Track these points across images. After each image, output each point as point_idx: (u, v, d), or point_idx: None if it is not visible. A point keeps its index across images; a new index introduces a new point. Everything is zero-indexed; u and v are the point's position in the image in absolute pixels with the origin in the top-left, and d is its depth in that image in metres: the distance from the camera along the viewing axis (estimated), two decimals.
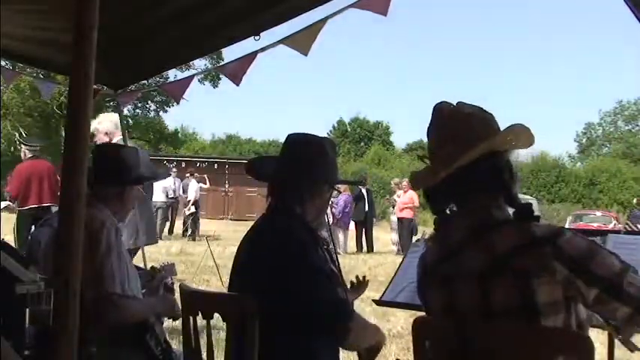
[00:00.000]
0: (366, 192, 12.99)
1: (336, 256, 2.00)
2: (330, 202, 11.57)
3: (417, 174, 1.58)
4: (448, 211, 1.53)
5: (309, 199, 1.86)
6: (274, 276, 1.68)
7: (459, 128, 1.47)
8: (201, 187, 14.99)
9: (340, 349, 1.83)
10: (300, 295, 1.66)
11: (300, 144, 1.92)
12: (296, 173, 1.85)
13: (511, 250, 1.33)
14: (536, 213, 1.43)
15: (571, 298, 1.30)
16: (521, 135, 1.47)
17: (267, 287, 1.67)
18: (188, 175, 15.22)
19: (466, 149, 1.41)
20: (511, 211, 1.45)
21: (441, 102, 1.54)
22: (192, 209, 14.02)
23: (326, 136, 2.12)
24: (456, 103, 1.53)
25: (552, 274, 1.28)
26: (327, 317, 1.68)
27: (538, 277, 1.28)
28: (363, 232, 12.94)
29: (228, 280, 1.90)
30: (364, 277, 2.42)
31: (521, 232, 1.35)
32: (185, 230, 13.97)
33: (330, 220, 12.01)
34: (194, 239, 13.19)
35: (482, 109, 1.51)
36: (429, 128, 1.54)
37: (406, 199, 12.16)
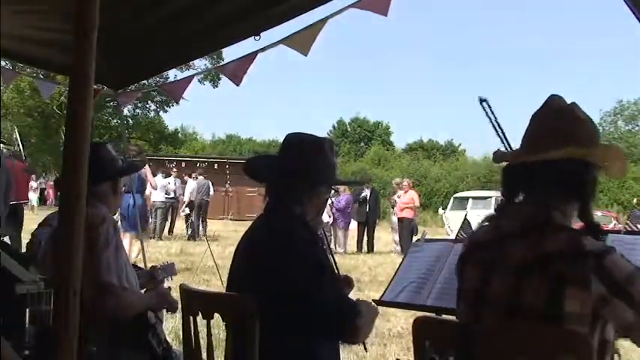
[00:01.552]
0: (370, 192, 12.96)
1: (333, 255, 2.00)
2: (331, 202, 11.62)
3: (501, 151, 1.57)
4: (517, 200, 1.52)
5: (308, 200, 1.85)
6: (276, 276, 1.68)
7: (563, 125, 1.46)
8: (208, 187, 14.65)
9: (340, 349, 1.83)
10: (303, 295, 1.65)
11: (298, 144, 1.90)
12: (295, 174, 1.84)
13: (556, 254, 1.33)
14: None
15: (600, 316, 1.30)
16: (617, 160, 1.45)
17: (268, 287, 1.67)
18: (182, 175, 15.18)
19: (560, 146, 1.40)
20: (577, 224, 1.44)
21: (556, 95, 1.52)
22: (187, 211, 13.99)
23: (326, 136, 2.10)
24: (571, 103, 1.51)
25: (588, 288, 1.27)
26: (331, 317, 1.67)
27: (573, 287, 1.28)
28: (365, 233, 12.91)
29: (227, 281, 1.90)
30: (346, 275, 2.39)
31: (571, 240, 1.34)
32: (187, 230, 13.96)
33: (331, 219, 12.00)
34: (194, 239, 13.18)
35: (592, 121, 1.50)
36: (534, 115, 1.52)
37: (407, 199, 12.15)
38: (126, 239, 7.35)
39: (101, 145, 2.34)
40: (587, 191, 1.44)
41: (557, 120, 1.48)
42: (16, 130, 10.89)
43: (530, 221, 1.42)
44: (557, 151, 1.39)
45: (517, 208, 1.49)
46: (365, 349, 2.04)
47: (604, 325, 1.32)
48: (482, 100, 1.58)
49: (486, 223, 1.57)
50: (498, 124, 1.63)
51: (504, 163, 1.56)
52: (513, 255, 1.39)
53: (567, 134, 1.43)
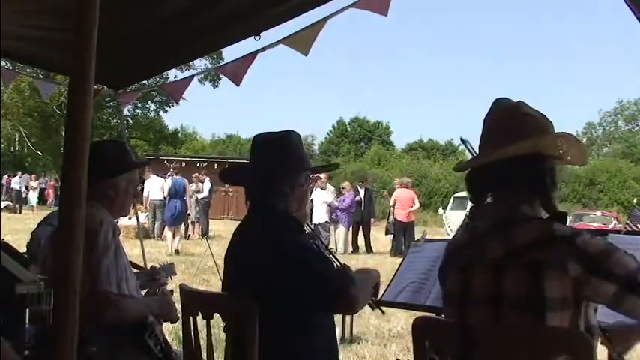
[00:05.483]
0: (365, 191, 12.91)
1: (332, 253, 2.02)
2: (335, 203, 11.55)
3: (463, 162, 1.63)
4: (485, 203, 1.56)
5: (290, 191, 1.88)
6: (272, 274, 1.69)
7: (511, 123, 1.50)
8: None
9: (340, 349, 1.83)
10: (303, 279, 1.66)
11: (267, 142, 1.93)
12: (271, 170, 1.87)
13: (529, 243, 1.36)
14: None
15: (582, 298, 1.32)
16: (572, 146, 1.48)
17: (265, 286, 1.68)
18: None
19: (511, 143, 1.44)
20: (544, 215, 1.47)
21: (502, 97, 1.57)
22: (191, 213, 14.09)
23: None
24: (517, 101, 1.55)
25: (565, 270, 1.30)
26: (331, 290, 1.68)
27: (550, 272, 1.31)
28: (360, 232, 12.82)
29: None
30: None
31: (542, 228, 1.38)
32: (185, 230, 13.96)
33: (332, 218, 11.95)
34: (187, 238, 13.22)
35: (543, 114, 1.53)
36: (485, 118, 1.57)
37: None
38: (170, 232, 10.91)
39: (102, 143, 2.29)
40: (545, 182, 1.46)
41: (505, 119, 1.52)
42: (22, 130, 10.99)
43: (501, 218, 1.46)
44: (509, 147, 1.43)
45: (487, 208, 1.53)
46: (382, 312, 2.17)
47: (588, 310, 1.35)
48: (464, 142, 1.64)
49: (461, 230, 1.62)
50: None
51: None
52: (489, 251, 1.43)
53: (516, 130, 1.47)
